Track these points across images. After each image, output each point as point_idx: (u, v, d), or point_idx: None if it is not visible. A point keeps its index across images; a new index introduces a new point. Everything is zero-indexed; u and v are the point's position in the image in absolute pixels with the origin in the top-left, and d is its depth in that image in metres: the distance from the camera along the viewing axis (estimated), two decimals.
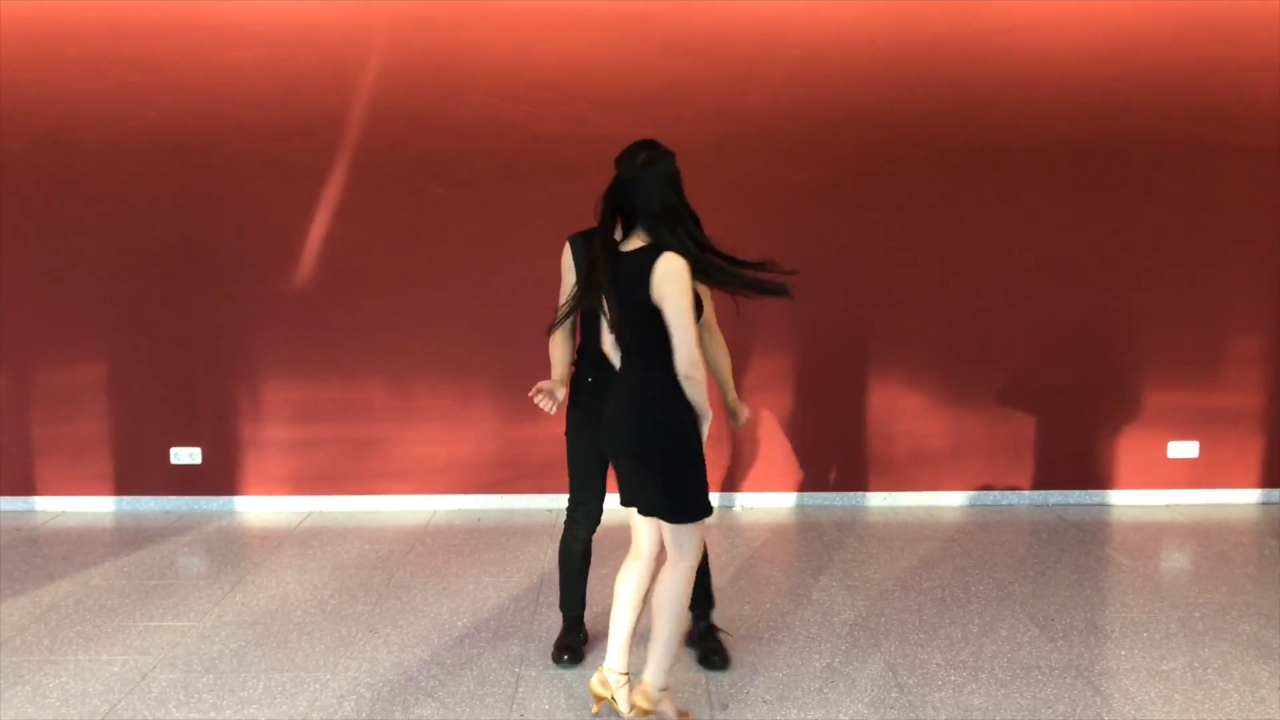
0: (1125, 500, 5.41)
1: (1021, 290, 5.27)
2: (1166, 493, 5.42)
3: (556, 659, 3.48)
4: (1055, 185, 5.21)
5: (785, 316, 5.29)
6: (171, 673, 3.43)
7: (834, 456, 5.40)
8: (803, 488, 5.41)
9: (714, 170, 5.08)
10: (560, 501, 5.16)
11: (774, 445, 5.38)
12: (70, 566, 4.48)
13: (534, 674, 3.41)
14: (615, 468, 3.01)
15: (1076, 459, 5.41)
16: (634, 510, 2.98)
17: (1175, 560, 4.65)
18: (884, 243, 5.23)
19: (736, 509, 5.35)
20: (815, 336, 5.31)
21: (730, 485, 5.40)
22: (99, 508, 5.32)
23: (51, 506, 5.31)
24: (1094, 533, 4.96)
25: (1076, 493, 5.41)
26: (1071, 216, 5.24)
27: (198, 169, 5.10)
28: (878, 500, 5.40)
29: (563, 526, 3.52)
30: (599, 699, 3.05)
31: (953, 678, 3.36)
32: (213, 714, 3.14)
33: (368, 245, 5.18)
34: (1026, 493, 5.40)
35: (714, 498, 5.38)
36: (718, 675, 3.38)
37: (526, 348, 5.07)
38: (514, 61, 5.06)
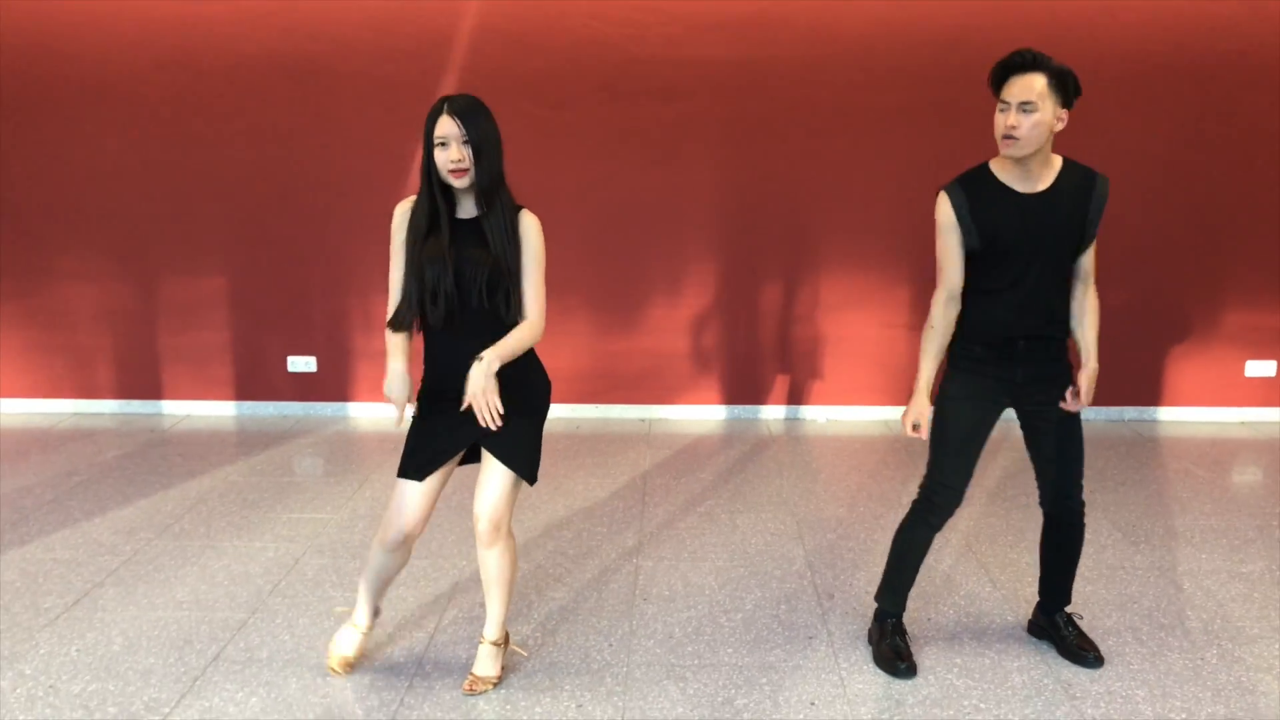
0: (1200, 417, 5.58)
1: (1108, 210, 5.37)
2: (1242, 410, 5.57)
3: (891, 669, 2.94)
4: (1144, 107, 5.27)
5: (865, 236, 5.45)
6: (320, 558, 3.77)
7: (915, 370, 5.58)
8: (883, 401, 5.62)
9: (809, 92, 5.22)
10: (652, 412, 5.45)
11: (856, 361, 5.59)
12: (207, 464, 4.84)
13: (650, 564, 3.71)
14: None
15: (1153, 376, 5.56)
16: (430, 484, 2.79)
17: (1251, 474, 4.83)
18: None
19: (821, 421, 5.59)
20: (900, 258, 5.47)
21: (816, 399, 5.62)
22: (221, 411, 5.69)
23: (178, 410, 5.69)
24: (1170, 447, 5.14)
25: (1152, 409, 5.58)
26: (1160, 138, 5.31)
27: (311, 90, 5.33)
28: None
29: (914, 508, 3.00)
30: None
31: None
32: None
33: None
34: (1103, 409, 5.58)
35: (799, 410, 5.63)
36: (822, 570, 3.65)
37: (624, 262, 5.31)
38: None
